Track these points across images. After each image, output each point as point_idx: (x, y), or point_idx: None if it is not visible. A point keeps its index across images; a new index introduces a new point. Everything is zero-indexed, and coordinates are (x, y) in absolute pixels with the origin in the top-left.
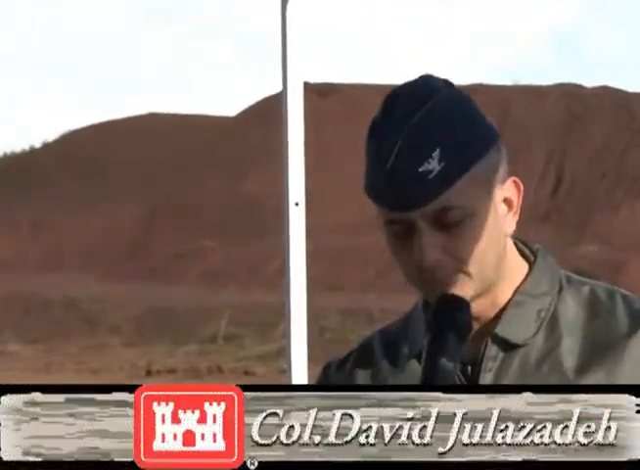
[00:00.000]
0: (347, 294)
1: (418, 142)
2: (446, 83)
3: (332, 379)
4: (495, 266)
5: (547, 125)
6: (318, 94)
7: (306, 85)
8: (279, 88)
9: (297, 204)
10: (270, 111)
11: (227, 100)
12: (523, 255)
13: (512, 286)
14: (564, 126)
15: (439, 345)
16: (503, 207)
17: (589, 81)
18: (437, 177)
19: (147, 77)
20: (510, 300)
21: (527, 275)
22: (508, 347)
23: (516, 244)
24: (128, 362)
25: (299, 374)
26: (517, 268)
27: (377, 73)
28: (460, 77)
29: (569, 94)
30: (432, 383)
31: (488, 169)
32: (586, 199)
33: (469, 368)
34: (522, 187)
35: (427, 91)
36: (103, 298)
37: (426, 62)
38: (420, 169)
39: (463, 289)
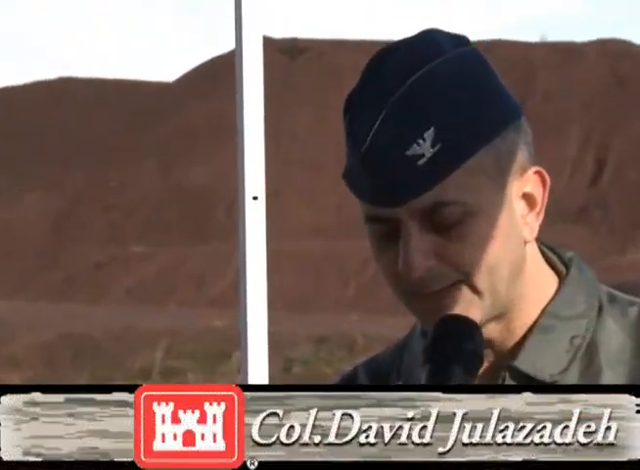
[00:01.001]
0: (322, 315)
1: (407, 116)
2: (459, 41)
3: None
4: (510, 281)
5: (584, 94)
6: (284, 53)
7: (267, 41)
8: (231, 46)
9: (255, 198)
10: (220, 75)
11: (164, 61)
12: (551, 265)
13: (536, 306)
14: (606, 95)
15: (442, 381)
16: (522, 204)
17: (638, 36)
18: (430, 164)
19: (57, 32)
20: (534, 323)
21: (557, 292)
22: (531, 384)
23: (542, 251)
24: None
25: None
26: (543, 283)
27: (361, 27)
28: (473, 32)
29: (612, 53)
30: None
31: (502, 155)
32: (636, 191)
33: None
34: (548, 180)
35: (427, 50)
36: (0, 320)
37: (428, 11)
38: (407, 153)
39: (469, 310)
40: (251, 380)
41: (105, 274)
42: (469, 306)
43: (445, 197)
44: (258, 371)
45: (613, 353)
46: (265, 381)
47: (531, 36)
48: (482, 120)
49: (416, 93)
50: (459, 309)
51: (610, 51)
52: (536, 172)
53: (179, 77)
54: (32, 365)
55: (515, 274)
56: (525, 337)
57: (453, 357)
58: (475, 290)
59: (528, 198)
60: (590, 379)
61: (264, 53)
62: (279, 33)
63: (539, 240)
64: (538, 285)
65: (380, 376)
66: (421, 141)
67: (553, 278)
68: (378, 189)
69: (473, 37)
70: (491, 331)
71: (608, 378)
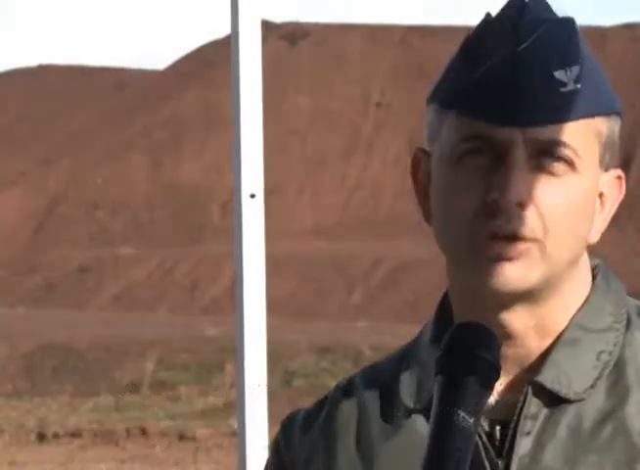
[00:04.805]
0: (324, 323)
1: (560, 42)
2: None
3: (295, 441)
4: (573, 259)
5: (610, 80)
6: (284, 38)
7: (266, 25)
8: (227, 30)
9: (252, 196)
10: (213, 62)
11: (153, 46)
12: None
13: (568, 316)
14: (634, 84)
15: (456, 394)
16: (597, 202)
17: None
18: (570, 96)
19: (35, 13)
20: (560, 335)
21: (584, 302)
22: (554, 401)
23: None
24: (13, 423)
25: (256, 438)
26: (580, 296)
27: (368, 9)
28: (488, 14)
29: None
30: (444, 444)
31: (611, 135)
32: None
33: (497, 429)
34: (624, 190)
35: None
36: None
37: None
38: (555, 74)
39: (534, 264)
40: (249, 394)
41: (90, 279)
42: (530, 260)
43: (568, 138)
44: (256, 384)
45: None
46: (264, 395)
47: None
48: (611, 92)
49: (567, 29)
50: (522, 266)
51: (639, 36)
52: (619, 177)
53: (170, 65)
54: (11, 377)
55: (573, 260)
56: (550, 349)
57: (469, 369)
58: (543, 246)
59: (602, 200)
60: (617, 398)
61: (263, 38)
62: (279, 17)
63: None
64: (574, 291)
65: (379, 385)
66: (568, 70)
67: (585, 287)
68: (512, 102)
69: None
70: (524, 325)
71: (636, 398)
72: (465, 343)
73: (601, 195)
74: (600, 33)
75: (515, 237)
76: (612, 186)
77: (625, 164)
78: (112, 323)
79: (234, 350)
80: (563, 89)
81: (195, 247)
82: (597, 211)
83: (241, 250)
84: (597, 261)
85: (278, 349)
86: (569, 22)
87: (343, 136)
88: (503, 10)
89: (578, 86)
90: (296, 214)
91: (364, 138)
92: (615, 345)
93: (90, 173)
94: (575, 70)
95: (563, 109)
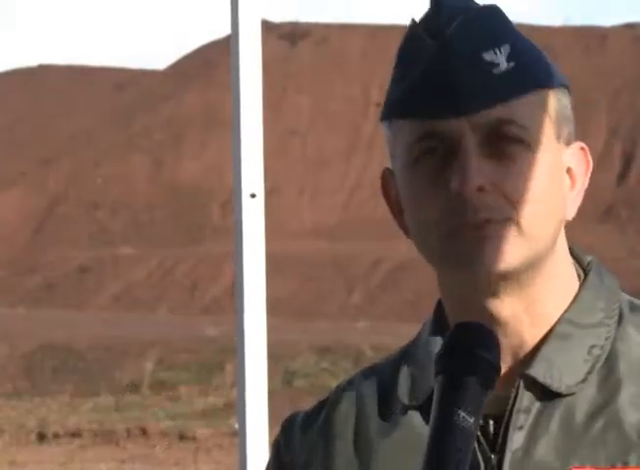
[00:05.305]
0: (325, 323)
1: (485, 25)
2: None
3: (295, 442)
4: (552, 236)
5: (610, 83)
6: (284, 38)
7: (266, 26)
8: (226, 30)
9: (253, 195)
10: (214, 62)
11: (153, 47)
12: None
13: (557, 307)
14: (634, 84)
15: (456, 393)
16: (566, 178)
17: None
18: (504, 76)
19: (36, 13)
20: (551, 329)
21: (576, 297)
22: (547, 395)
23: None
24: (13, 422)
25: (257, 437)
26: (566, 284)
27: (367, 9)
28: None
29: None
30: (444, 445)
31: (562, 107)
32: None
33: (491, 423)
34: (590, 162)
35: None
36: None
37: None
38: (485, 56)
39: (512, 244)
40: (249, 394)
41: (90, 279)
42: (513, 241)
43: (513, 116)
44: (256, 384)
45: (634, 364)
46: (264, 395)
47: (553, 19)
48: (550, 65)
49: (489, 12)
50: (503, 245)
51: (639, 36)
52: (581, 149)
53: (170, 65)
54: (11, 377)
55: (556, 234)
56: (541, 343)
57: (470, 369)
58: (519, 225)
59: (571, 175)
60: (609, 392)
61: (263, 38)
62: (278, 16)
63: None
64: (562, 284)
65: (377, 384)
66: (497, 51)
67: (574, 281)
68: (445, 94)
69: None
70: (513, 310)
71: (628, 391)
72: (465, 342)
73: (569, 170)
74: (600, 33)
75: (487, 222)
76: (578, 159)
77: (625, 164)
78: (112, 323)
79: (234, 350)
80: (495, 70)
81: (195, 247)
82: (568, 187)
83: (241, 249)
84: (590, 258)
85: (278, 349)
86: (491, 6)
87: (343, 136)
88: (425, 13)
89: (512, 64)
90: (296, 214)
91: (364, 138)
92: (606, 339)
93: (90, 173)
94: (506, 48)
95: (500, 89)
